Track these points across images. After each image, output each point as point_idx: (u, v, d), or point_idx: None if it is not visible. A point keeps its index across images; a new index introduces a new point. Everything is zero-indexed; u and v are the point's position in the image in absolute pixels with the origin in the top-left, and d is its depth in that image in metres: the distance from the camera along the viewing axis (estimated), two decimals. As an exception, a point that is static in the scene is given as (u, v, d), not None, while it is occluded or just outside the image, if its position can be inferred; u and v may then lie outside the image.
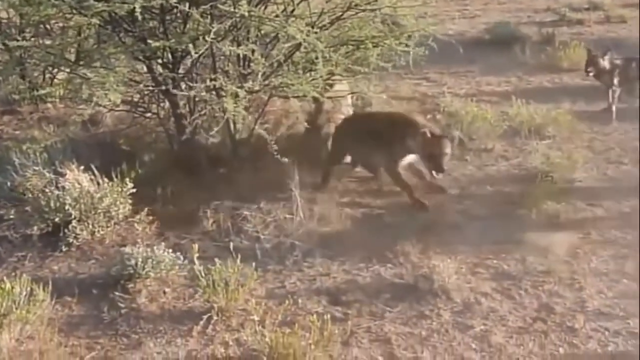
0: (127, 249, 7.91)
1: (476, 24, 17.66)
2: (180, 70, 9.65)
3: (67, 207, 8.46)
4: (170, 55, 9.61)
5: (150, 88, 9.85)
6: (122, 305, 7.49)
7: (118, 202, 8.70)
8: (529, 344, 6.78)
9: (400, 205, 9.26)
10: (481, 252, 8.21)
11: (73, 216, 8.48)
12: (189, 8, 8.73)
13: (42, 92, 10.66)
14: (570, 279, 7.70)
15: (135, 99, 10.47)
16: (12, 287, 7.06)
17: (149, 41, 8.87)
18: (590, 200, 9.14)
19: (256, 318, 6.88)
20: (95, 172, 8.82)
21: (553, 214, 8.76)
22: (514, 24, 16.92)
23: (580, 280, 7.66)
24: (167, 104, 10.23)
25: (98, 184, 8.73)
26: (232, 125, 9.55)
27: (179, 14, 9.41)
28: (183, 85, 9.45)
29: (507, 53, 13.70)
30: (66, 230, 8.45)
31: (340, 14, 9.73)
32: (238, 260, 7.39)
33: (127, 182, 8.80)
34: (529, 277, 7.74)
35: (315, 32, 9.13)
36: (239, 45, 9.10)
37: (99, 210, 8.58)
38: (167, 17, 9.40)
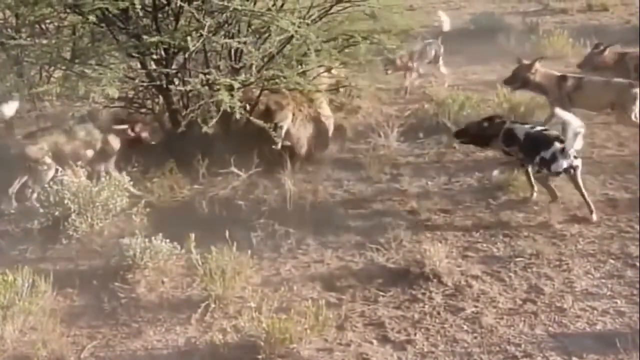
0: (126, 240, 8.02)
1: (461, 15, 17.71)
2: (173, 66, 9.78)
3: (66, 201, 8.58)
4: (163, 52, 9.74)
5: (145, 84, 10.01)
6: (122, 295, 7.60)
7: (115, 195, 8.79)
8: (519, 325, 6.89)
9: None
10: (470, 235, 8.36)
11: (72, 209, 8.59)
12: (182, 2, 8.89)
13: (39, 89, 10.70)
14: (558, 260, 7.81)
15: (130, 95, 10.61)
16: (15, 279, 7.19)
17: (143, 37, 9.02)
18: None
19: (253, 305, 7.03)
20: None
21: (539, 197, 8.89)
22: (499, 14, 16.99)
23: (567, 262, 7.78)
24: (161, 100, 10.41)
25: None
26: (226, 117, 9.65)
27: (170, 11, 9.57)
28: (176, 81, 9.58)
29: (492, 43, 13.75)
30: (66, 224, 8.55)
31: (329, 7, 9.91)
32: (234, 249, 7.52)
33: (124, 176, 8.92)
34: (518, 260, 7.84)
35: (307, 24, 9.29)
36: (231, 39, 9.25)
37: (97, 204, 8.68)
38: (160, 14, 9.55)
